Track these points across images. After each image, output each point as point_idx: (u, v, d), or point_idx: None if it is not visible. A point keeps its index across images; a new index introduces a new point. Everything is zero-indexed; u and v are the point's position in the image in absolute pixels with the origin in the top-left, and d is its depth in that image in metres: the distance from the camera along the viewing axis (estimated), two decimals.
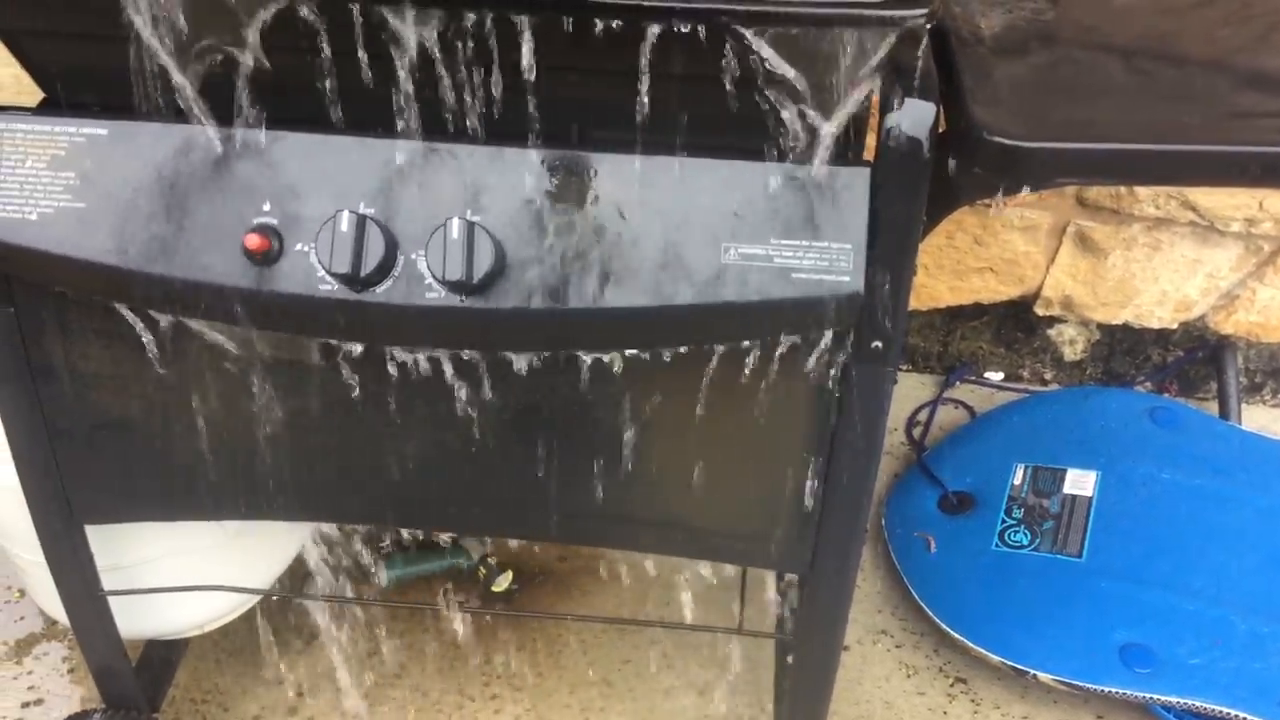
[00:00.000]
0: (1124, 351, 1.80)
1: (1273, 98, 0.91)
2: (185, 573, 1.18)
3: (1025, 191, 0.83)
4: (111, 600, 1.15)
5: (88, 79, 0.85)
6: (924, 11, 0.73)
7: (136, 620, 1.20)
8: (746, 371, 0.90)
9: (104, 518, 1.07)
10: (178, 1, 0.76)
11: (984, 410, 1.73)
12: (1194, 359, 1.78)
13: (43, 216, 0.85)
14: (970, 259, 1.69)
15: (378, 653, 1.42)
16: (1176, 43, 0.94)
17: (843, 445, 0.94)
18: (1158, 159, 0.83)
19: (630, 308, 0.83)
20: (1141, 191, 1.57)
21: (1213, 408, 1.74)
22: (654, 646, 1.43)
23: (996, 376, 1.83)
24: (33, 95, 0.89)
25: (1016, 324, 1.79)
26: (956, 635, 1.40)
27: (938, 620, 1.42)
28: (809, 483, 0.97)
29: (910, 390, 1.78)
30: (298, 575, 1.37)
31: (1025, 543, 1.46)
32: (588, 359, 0.89)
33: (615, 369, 0.90)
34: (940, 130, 0.81)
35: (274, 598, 1.39)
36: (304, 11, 0.76)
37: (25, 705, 1.37)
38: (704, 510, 1.01)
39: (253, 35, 0.77)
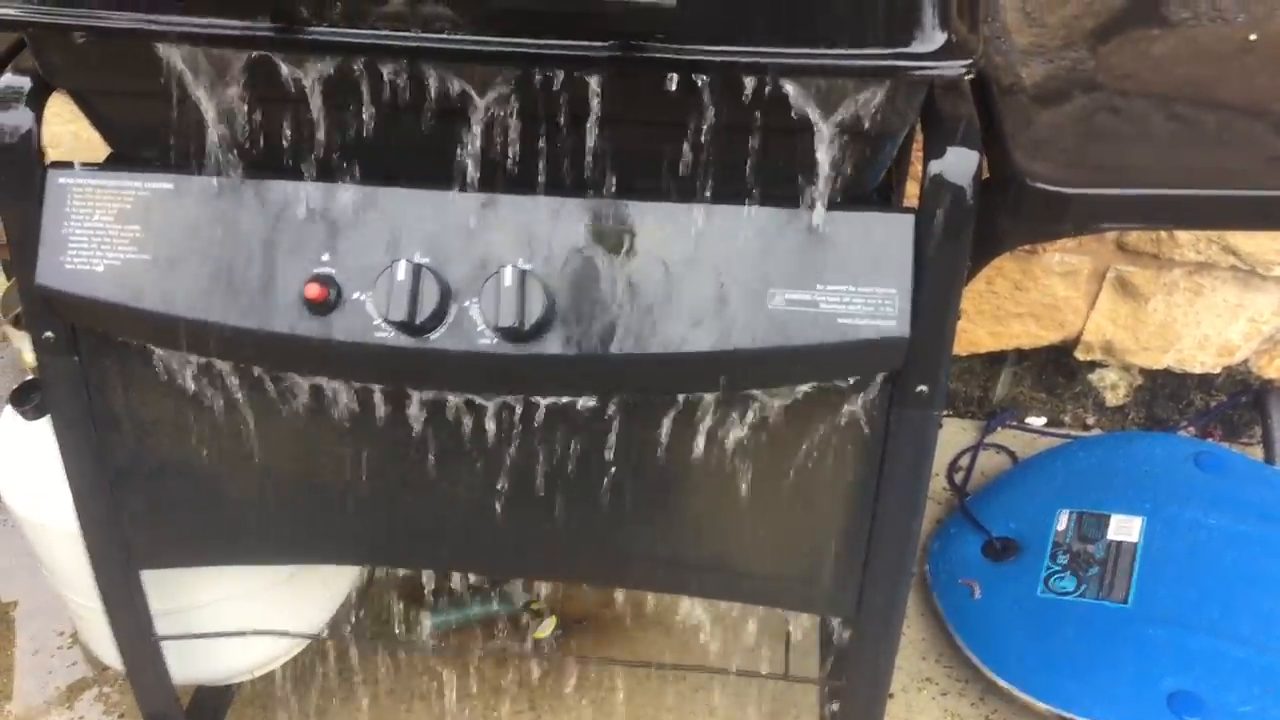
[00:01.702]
0: (1166, 396, 1.79)
1: None
2: (238, 618, 1.20)
3: (1067, 237, 0.84)
4: (165, 645, 1.16)
5: (152, 135, 0.88)
6: (966, 63, 0.74)
7: (189, 665, 1.21)
8: (793, 416, 0.91)
9: (160, 563, 1.09)
10: (240, 63, 0.79)
11: (1026, 455, 1.73)
12: (1237, 404, 1.77)
13: (109, 268, 0.87)
14: (1010, 304, 1.69)
15: (422, 698, 1.43)
16: (1216, 89, 0.95)
17: (888, 489, 0.94)
18: (1200, 203, 0.84)
19: (678, 354, 0.85)
20: (1182, 236, 1.57)
21: (1257, 453, 1.73)
22: (699, 693, 1.43)
23: (1038, 422, 1.83)
24: (89, 152, 0.92)
25: (1058, 369, 1.79)
26: (1003, 683, 1.39)
27: (983, 667, 1.41)
28: (855, 527, 0.97)
29: (952, 435, 1.78)
30: (344, 621, 1.38)
31: (1071, 589, 1.45)
32: (636, 404, 0.91)
33: (664, 414, 0.91)
34: (984, 177, 0.82)
35: (322, 643, 1.40)
36: (362, 72, 0.78)
37: None
38: (749, 554, 1.01)
39: (311, 94, 0.80)
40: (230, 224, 0.86)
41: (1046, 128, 0.87)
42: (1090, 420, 1.83)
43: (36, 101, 0.87)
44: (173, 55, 0.80)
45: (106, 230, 0.88)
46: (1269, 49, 0.98)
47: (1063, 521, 1.54)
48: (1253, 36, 0.97)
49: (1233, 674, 1.33)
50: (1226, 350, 1.70)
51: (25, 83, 0.87)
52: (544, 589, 1.51)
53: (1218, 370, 1.73)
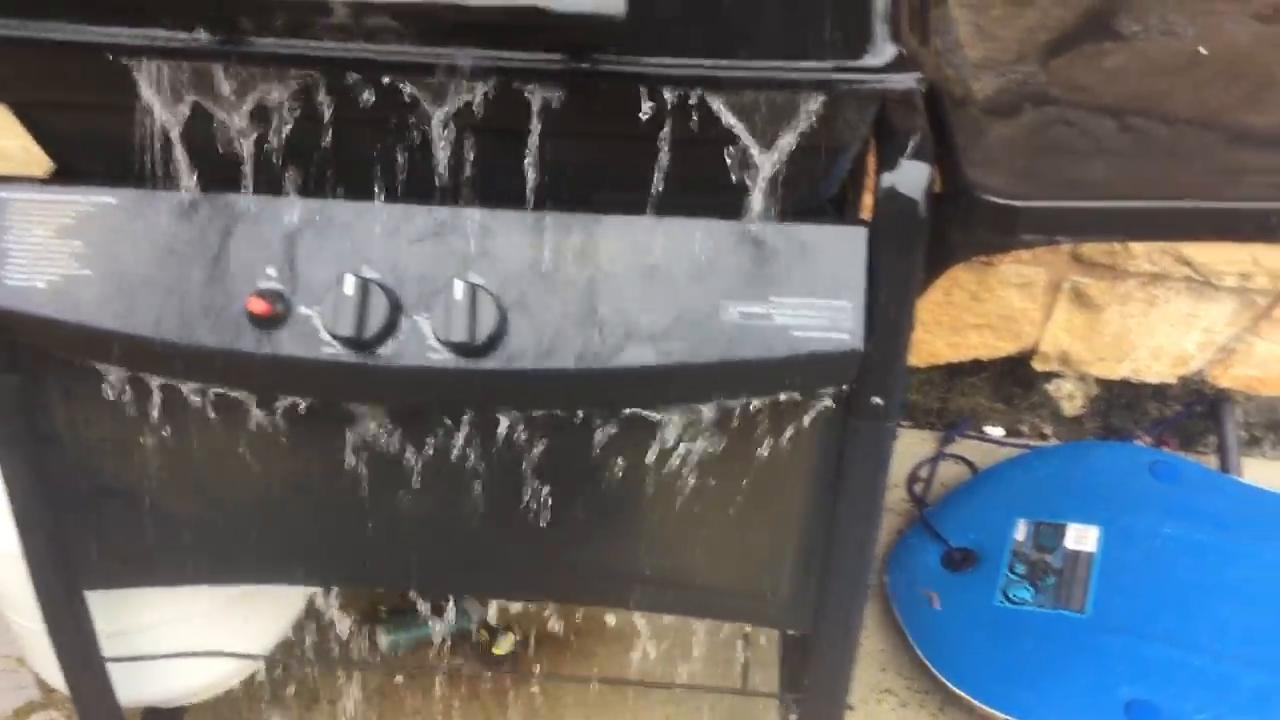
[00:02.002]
0: (1122, 406, 1.80)
1: (1263, 154, 0.92)
2: (186, 639, 1.18)
3: (1019, 249, 0.84)
4: (111, 667, 1.14)
5: (96, 149, 0.86)
6: (916, 76, 0.74)
7: (137, 687, 1.19)
8: (747, 429, 0.91)
9: (106, 583, 1.07)
10: (185, 77, 0.77)
11: (985, 466, 1.74)
12: (1192, 413, 1.78)
13: (50, 284, 0.85)
14: (968, 315, 1.70)
15: (378, 718, 1.41)
16: (1166, 102, 0.95)
17: (845, 502, 0.94)
18: (1152, 216, 0.84)
19: (632, 368, 0.84)
20: (1136, 247, 1.59)
21: (1212, 461, 1.74)
22: (659, 708, 1.42)
23: (996, 432, 1.83)
24: (40, 167, 0.90)
25: (1015, 380, 1.79)
26: (961, 693, 1.39)
27: (942, 678, 1.41)
28: (812, 540, 0.97)
29: (911, 446, 1.78)
30: (296, 642, 1.36)
31: (1028, 599, 1.46)
32: (588, 419, 0.90)
33: (616, 428, 0.90)
34: (936, 190, 0.82)
35: (273, 664, 1.38)
36: (307, 85, 0.77)
37: None
38: (706, 568, 1.01)
39: (256, 107, 0.79)
40: (174, 238, 0.85)
41: (998, 140, 0.88)
42: (1047, 430, 1.84)
43: None
44: (112, 69, 0.78)
45: (48, 245, 0.86)
46: (1217, 62, 0.99)
47: (1020, 531, 1.55)
48: (1202, 50, 0.98)
49: (1189, 683, 1.33)
50: (1181, 360, 1.71)
51: None
52: (502, 606, 1.50)
53: (1172, 380, 1.74)
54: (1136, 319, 1.67)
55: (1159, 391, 1.77)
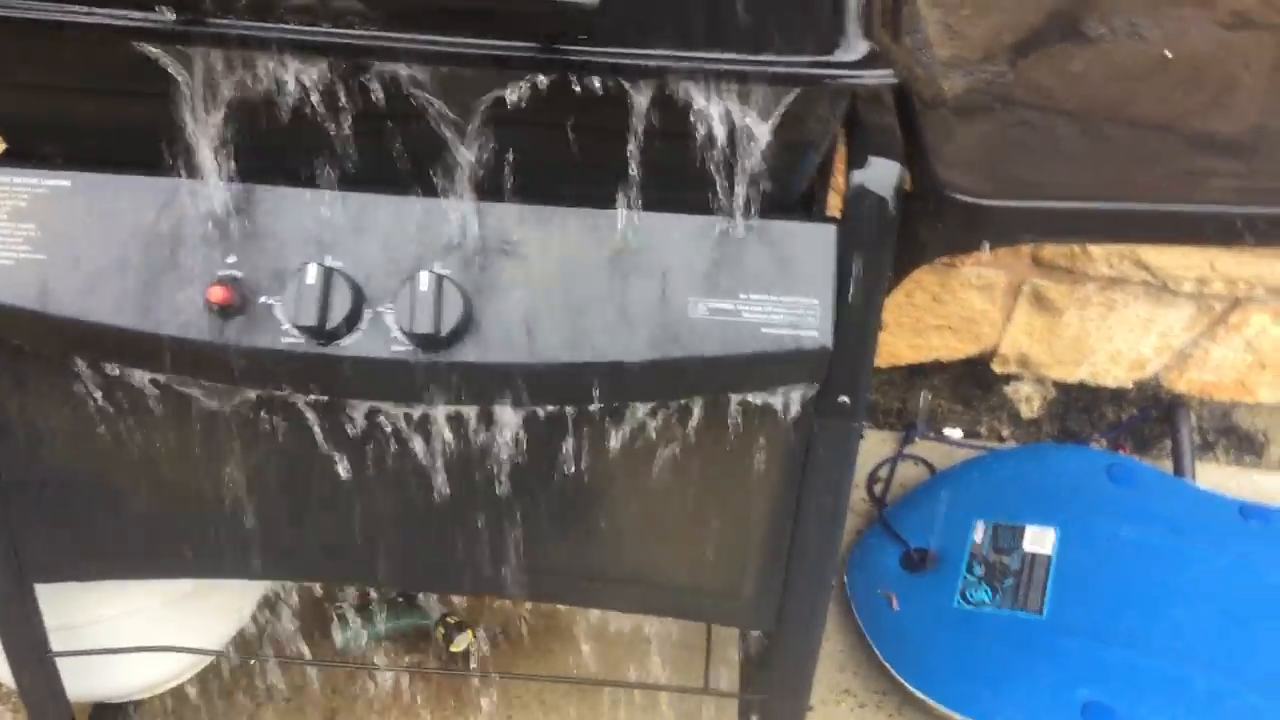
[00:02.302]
0: (1080, 409, 1.82)
1: (1224, 160, 0.93)
2: (137, 634, 1.15)
3: (987, 248, 0.84)
4: (60, 661, 1.11)
5: (51, 130, 0.84)
6: (888, 73, 0.74)
7: (86, 682, 1.17)
8: (713, 426, 0.90)
9: (56, 576, 1.04)
10: (146, 59, 0.75)
11: (944, 467, 1.74)
12: (1148, 417, 1.80)
13: (1, 268, 0.83)
14: (929, 317, 1.70)
15: (334, 715, 1.39)
16: (1130, 107, 0.96)
17: (809, 501, 0.94)
18: (1117, 218, 0.85)
19: (597, 362, 0.83)
20: (1095, 251, 1.60)
21: (1167, 465, 1.76)
22: (616, 708, 1.41)
23: (955, 433, 1.84)
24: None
25: (974, 381, 1.80)
26: (920, 694, 1.39)
27: (901, 679, 1.41)
28: (775, 539, 0.96)
29: (871, 447, 1.79)
30: (250, 637, 1.34)
31: (987, 600, 1.46)
32: (554, 413, 0.89)
33: (581, 423, 0.89)
34: (906, 188, 0.82)
35: (226, 660, 1.36)
36: (271, 68, 0.75)
37: None
38: (669, 567, 1.00)
39: (218, 91, 0.77)
40: (131, 224, 0.83)
41: (968, 140, 0.88)
42: (1005, 432, 1.85)
43: None
44: (72, 49, 0.76)
45: None
46: (1181, 69, 0.99)
47: (979, 533, 1.55)
48: (1168, 53, 0.99)
49: (1146, 686, 1.34)
50: (1138, 364, 1.73)
51: None
52: (461, 603, 1.48)
53: (1129, 384, 1.76)
54: (1095, 323, 1.68)
55: (1116, 395, 1.79)
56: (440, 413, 0.89)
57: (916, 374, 1.80)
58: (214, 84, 0.76)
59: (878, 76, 0.74)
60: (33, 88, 0.81)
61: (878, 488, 1.73)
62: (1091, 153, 0.91)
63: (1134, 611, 1.42)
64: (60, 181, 0.84)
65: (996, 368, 1.76)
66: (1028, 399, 1.81)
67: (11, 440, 0.95)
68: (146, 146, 0.81)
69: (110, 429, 0.93)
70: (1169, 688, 1.34)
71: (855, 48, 0.74)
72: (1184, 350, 1.71)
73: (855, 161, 0.81)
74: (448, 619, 1.46)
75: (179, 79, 0.76)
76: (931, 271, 1.65)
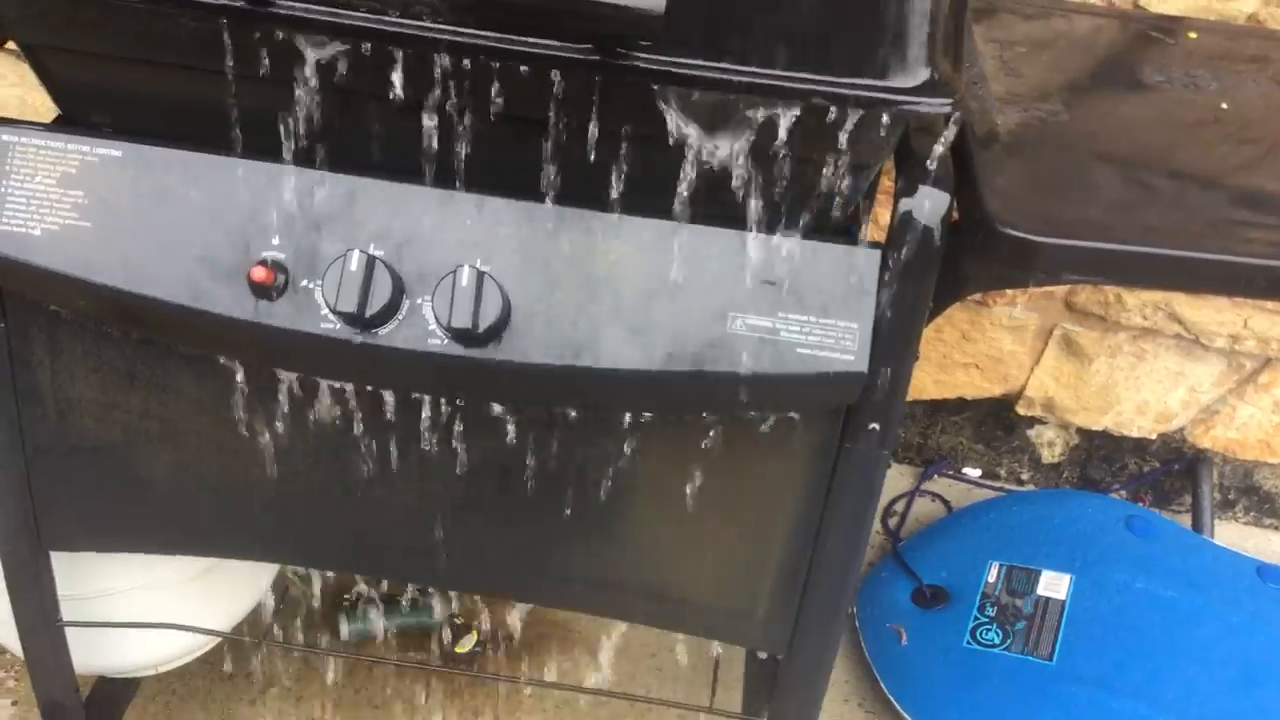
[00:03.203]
0: (1101, 458, 1.81)
1: (1267, 216, 0.92)
2: (147, 609, 1.15)
3: (1031, 285, 0.84)
4: (69, 632, 1.11)
5: (106, 100, 0.85)
6: (948, 101, 0.74)
7: (92, 655, 1.16)
8: (740, 444, 0.90)
9: (72, 545, 1.05)
10: (207, 37, 0.76)
11: (960, 505, 1.73)
12: (1170, 470, 1.78)
13: (47, 233, 0.84)
14: (957, 353, 1.70)
15: (334, 707, 1.39)
16: (1176, 157, 0.95)
17: (831, 526, 0.93)
18: (1162, 263, 0.84)
19: (631, 370, 0.83)
20: (1130, 300, 1.59)
21: (1185, 520, 1.75)
22: (619, 719, 1.41)
23: (974, 473, 1.83)
24: (35, 118, 0.88)
25: (997, 422, 1.79)
26: None
27: (905, 715, 1.40)
28: (794, 562, 0.96)
29: (888, 481, 1.78)
30: (257, 622, 1.34)
31: (997, 642, 1.45)
32: (583, 419, 0.89)
33: (611, 432, 0.89)
34: (952, 219, 0.82)
35: (232, 642, 1.35)
36: (330, 54, 0.76)
37: None
38: (687, 582, 1.00)
39: (276, 73, 0.77)
40: (179, 198, 0.83)
41: (1017, 176, 0.87)
42: (1025, 475, 1.84)
43: None
44: (135, 20, 0.77)
45: (48, 194, 0.84)
46: (1231, 124, 0.99)
47: (993, 573, 1.54)
48: (1224, 105, 0.98)
49: None
50: (1164, 417, 1.72)
51: None
52: (467, 605, 1.48)
53: (1153, 436, 1.75)
54: (1124, 372, 1.67)
55: (1138, 446, 1.78)
56: (469, 409, 0.89)
57: (939, 410, 1.79)
58: (274, 67, 0.76)
59: (937, 104, 0.74)
60: (90, 56, 0.82)
61: (892, 521, 1.72)
62: (1140, 198, 0.91)
63: (1145, 664, 1.41)
64: (111, 151, 0.84)
65: (1021, 410, 1.76)
66: (1050, 444, 1.80)
67: (41, 405, 0.95)
68: (198, 122, 0.82)
69: (139, 401, 0.93)
70: None
71: (916, 74, 0.74)
72: (1211, 406, 1.70)
73: (905, 189, 0.81)
74: (454, 619, 1.46)
75: (241, 59, 0.76)
76: (963, 309, 1.65)
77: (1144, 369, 1.67)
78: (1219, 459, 1.77)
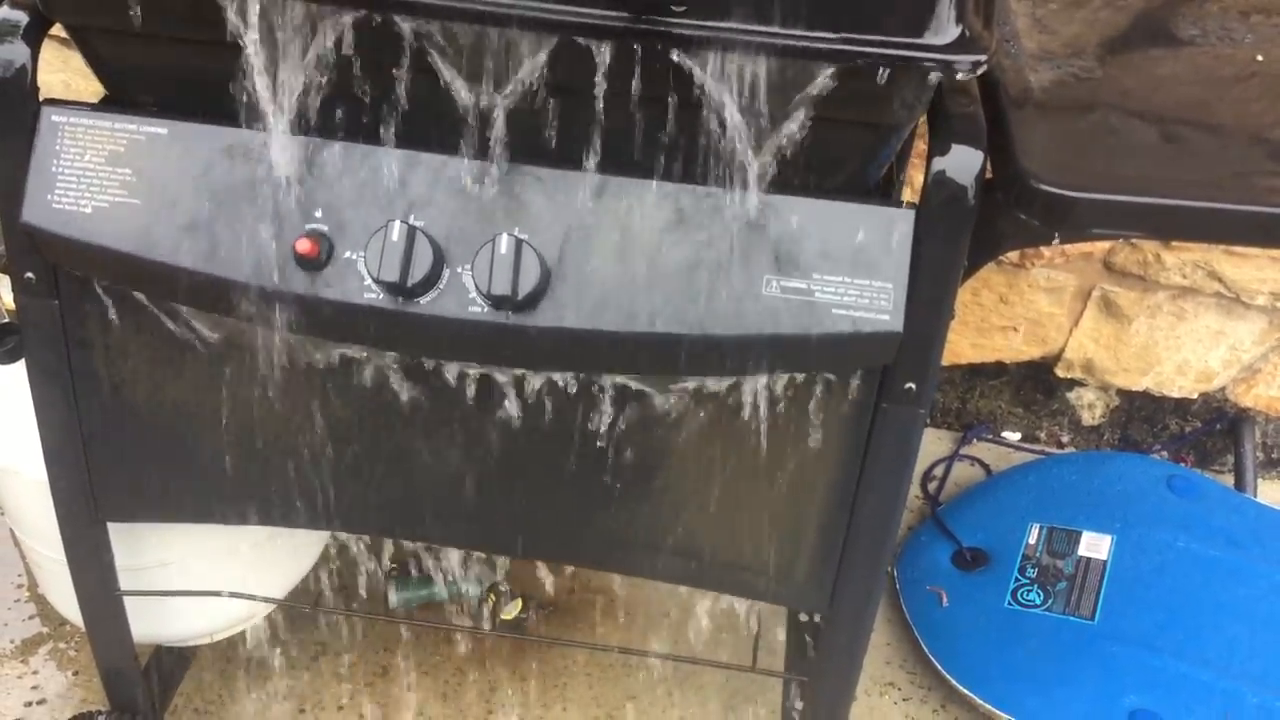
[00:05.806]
0: (1142, 419, 1.80)
1: None
2: (202, 579, 1.18)
3: (1064, 243, 0.84)
4: (126, 601, 1.15)
5: (151, 78, 0.87)
6: (979, 58, 0.74)
7: (150, 624, 1.20)
8: (777, 405, 0.91)
9: (128, 516, 1.07)
10: (247, 10, 0.77)
11: (1000, 469, 1.73)
12: (1212, 430, 1.78)
13: (97, 210, 0.86)
14: (995, 317, 1.69)
15: (383, 673, 1.42)
16: (1213, 113, 0.95)
17: (869, 485, 0.94)
18: (1197, 215, 0.84)
19: (670, 334, 0.84)
20: (1168, 259, 1.58)
21: (1227, 480, 1.74)
22: (661, 683, 1.42)
23: (1014, 436, 1.83)
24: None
25: (1036, 385, 1.79)
26: (965, 691, 1.39)
27: (947, 675, 1.41)
28: (833, 522, 0.97)
29: (927, 445, 1.78)
30: (308, 591, 1.37)
31: (1038, 602, 1.46)
32: (623, 383, 0.90)
33: (651, 395, 0.90)
34: (986, 177, 0.82)
35: (285, 610, 1.39)
36: (371, 33, 0.77)
37: (28, 705, 1.37)
38: (727, 543, 1.01)
39: (316, 48, 0.79)
40: (224, 174, 0.85)
41: (1051, 133, 0.87)
42: (1065, 438, 1.84)
43: (33, 36, 0.86)
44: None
45: (97, 172, 0.86)
46: (1269, 80, 0.98)
47: (1033, 535, 1.54)
48: (1259, 57, 0.97)
49: (1194, 696, 1.33)
50: (1205, 376, 1.71)
51: (22, 17, 0.86)
52: (513, 572, 1.50)
53: (1194, 396, 1.74)
54: (1164, 332, 1.67)
55: (1180, 407, 1.77)
56: (511, 376, 0.90)
57: (977, 374, 1.79)
58: (317, 41, 0.78)
59: (969, 62, 0.74)
60: (135, 35, 0.84)
61: (932, 485, 1.72)
62: (1174, 153, 0.90)
63: (1187, 622, 1.41)
64: (157, 129, 0.86)
65: (1060, 372, 1.75)
66: (1090, 406, 1.80)
67: (95, 380, 0.98)
68: (243, 99, 0.84)
69: (190, 374, 0.95)
70: (1218, 700, 1.33)
71: (947, 31, 0.74)
72: (1253, 364, 1.69)
73: (938, 148, 0.81)
74: (499, 586, 1.48)
75: (282, 34, 0.78)
76: (1000, 271, 1.64)
77: (1184, 328, 1.66)
78: (1261, 418, 1.76)
